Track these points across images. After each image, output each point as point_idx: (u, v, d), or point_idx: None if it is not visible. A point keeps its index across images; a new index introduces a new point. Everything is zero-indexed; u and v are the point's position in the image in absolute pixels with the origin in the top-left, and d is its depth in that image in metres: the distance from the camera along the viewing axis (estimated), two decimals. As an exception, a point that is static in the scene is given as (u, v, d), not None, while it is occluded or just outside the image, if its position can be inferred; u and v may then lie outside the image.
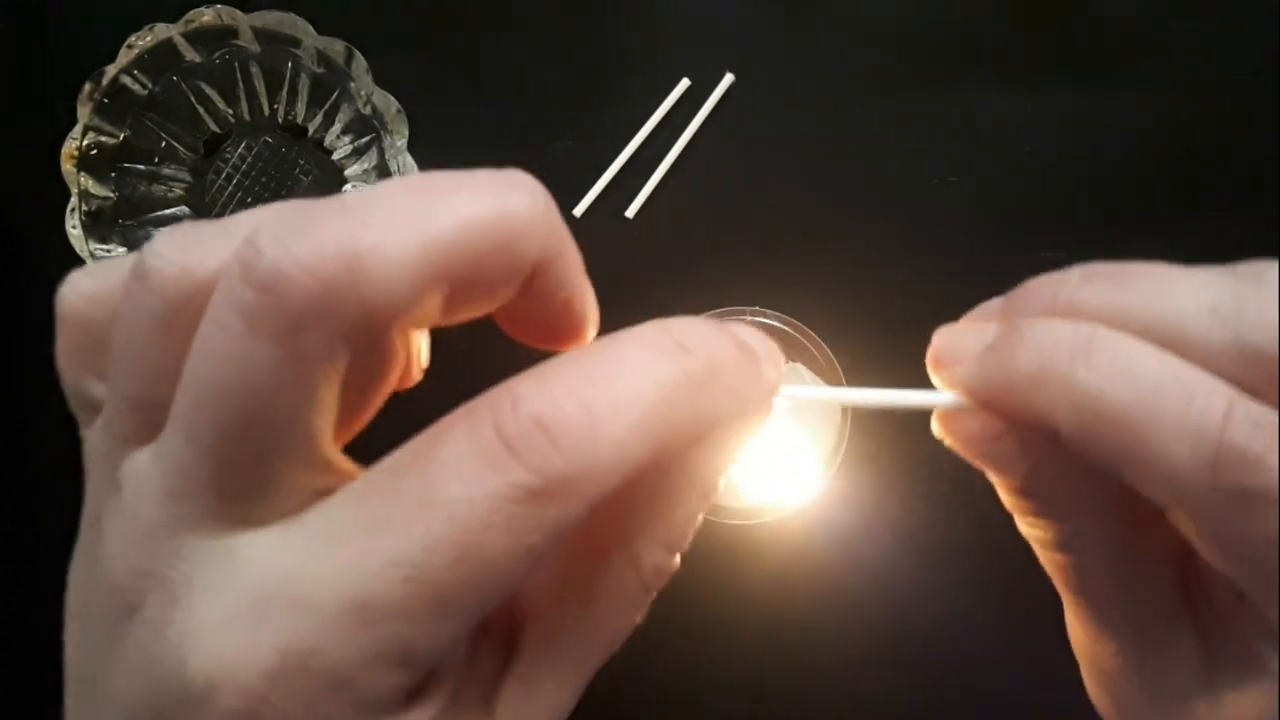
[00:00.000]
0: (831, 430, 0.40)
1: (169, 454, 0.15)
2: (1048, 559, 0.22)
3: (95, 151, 0.37)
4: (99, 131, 0.37)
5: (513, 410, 0.15)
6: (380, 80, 0.38)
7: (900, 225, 0.43)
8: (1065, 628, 0.42)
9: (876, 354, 0.41)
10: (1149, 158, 0.43)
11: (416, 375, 0.20)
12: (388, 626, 0.15)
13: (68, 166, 0.37)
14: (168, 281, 0.16)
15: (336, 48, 0.37)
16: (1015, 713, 0.41)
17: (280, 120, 0.41)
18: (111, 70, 0.36)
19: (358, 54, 0.38)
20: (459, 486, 0.15)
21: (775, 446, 0.40)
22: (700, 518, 0.19)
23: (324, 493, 0.16)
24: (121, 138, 0.38)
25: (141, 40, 0.37)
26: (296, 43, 0.38)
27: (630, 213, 0.43)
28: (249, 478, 0.15)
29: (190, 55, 0.38)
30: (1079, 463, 0.19)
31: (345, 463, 0.17)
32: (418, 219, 0.16)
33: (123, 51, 0.37)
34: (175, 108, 0.39)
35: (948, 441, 0.21)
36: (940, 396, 0.21)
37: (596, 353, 0.17)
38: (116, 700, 0.16)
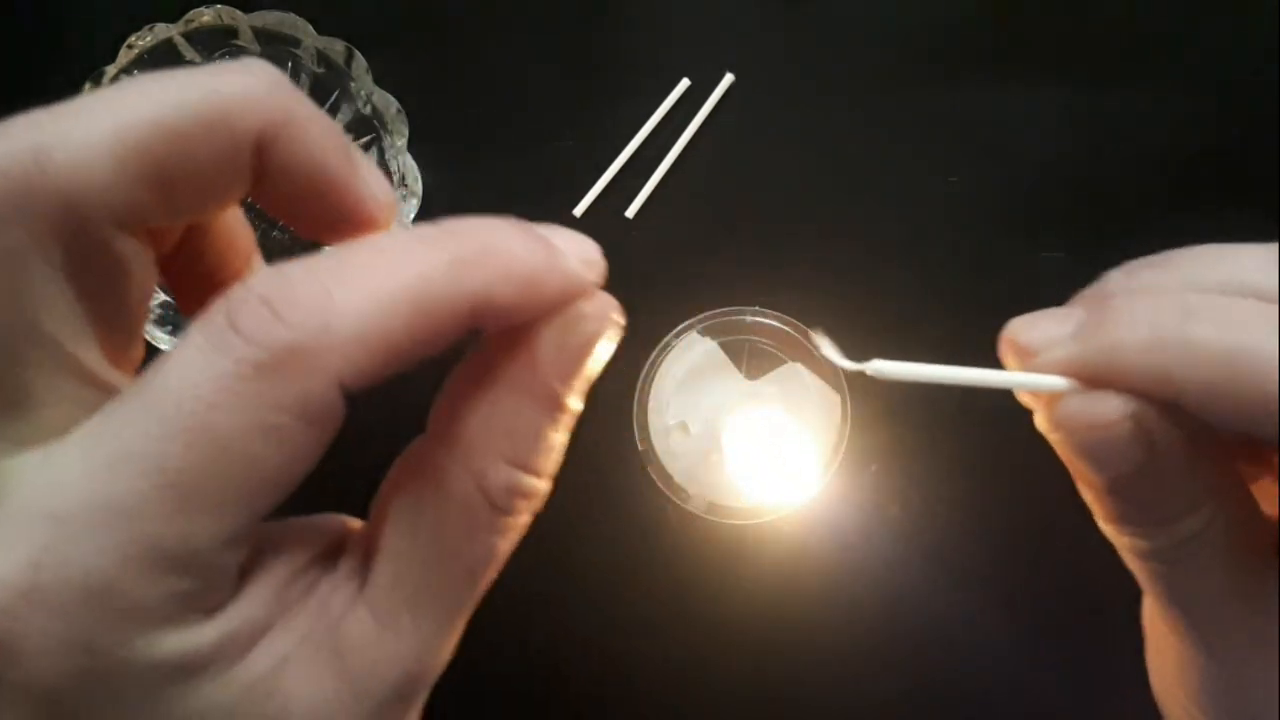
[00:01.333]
0: (831, 430, 0.40)
1: None
2: (1135, 563, 0.21)
3: (95, 151, 0.37)
4: (99, 131, 0.37)
5: (243, 294, 0.15)
6: (380, 80, 0.38)
7: (900, 225, 0.43)
8: (1065, 628, 0.42)
9: (876, 354, 0.41)
10: (1149, 158, 0.43)
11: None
12: (132, 526, 0.14)
13: None
14: None
15: (336, 48, 0.37)
16: (1015, 713, 0.41)
17: (280, 120, 0.41)
18: (111, 70, 0.36)
19: (358, 54, 0.38)
20: (186, 371, 0.15)
21: (775, 446, 0.40)
22: (560, 438, 0.18)
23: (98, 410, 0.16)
24: (121, 138, 0.38)
25: (141, 40, 0.37)
26: (296, 43, 0.38)
27: (630, 213, 0.43)
28: (1, 392, 0.15)
29: (190, 55, 0.38)
30: (1188, 456, 0.19)
31: (125, 382, 0.17)
32: (113, 107, 0.16)
33: (123, 51, 0.37)
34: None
35: (1053, 433, 0.20)
36: (1049, 379, 0.20)
37: (357, 242, 0.17)
38: None
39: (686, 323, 0.41)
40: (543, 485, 0.18)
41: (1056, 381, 0.20)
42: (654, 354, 0.41)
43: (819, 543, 0.41)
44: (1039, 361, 0.20)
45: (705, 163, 0.43)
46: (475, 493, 0.17)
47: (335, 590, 0.18)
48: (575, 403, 0.18)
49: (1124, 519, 0.20)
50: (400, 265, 0.16)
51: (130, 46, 0.37)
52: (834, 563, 0.41)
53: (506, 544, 0.18)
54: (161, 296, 0.35)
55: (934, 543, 0.41)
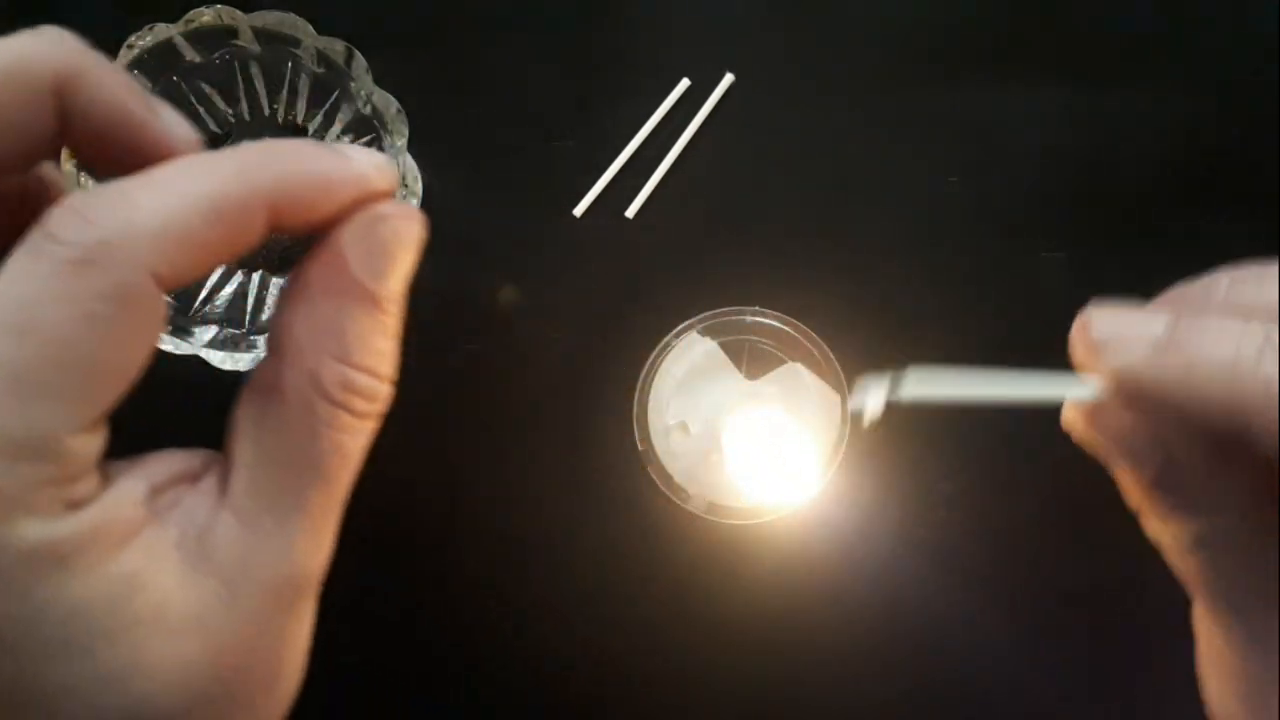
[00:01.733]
0: (831, 430, 0.40)
1: None
2: (1182, 561, 0.21)
3: (95, 151, 0.37)
4: (99, 131, 0.37)
5: (56, 210, 0.17)
6: (380, 80, 0.38)
7: (900, 225, 0.43)
8: (1065, 628, 0.42)
9: (876, 354, 0.41)
10: (1149, 157, 0.43)
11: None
12: None
13: (68, 166, 0.37)
14: None
15: (336, 48, 0.37)
16: (1015, 713, 0.41)
17: (280, 120, 0.41)
18: (111, 70, 0.36)
19: (358, 54, 0.38)
20: (11, 279, 0.17)
21: (775, 446, 0.40)
22: (386, 340, 0.20)
23: None
24: (121, 138, 0.38)
25: (141, 40, 0.37)
26: (296, 43, 0.38)
27: (630, 213, 0.43)
28: None
29: (190, 55, 0.38)
30: (1220, 455, 0.19)
31: None
32: None
33: (123, 51, 0.36)
34: (175, 108, 0.39)
35: (1082, 433, 0.21)
36: (1082, 387, 0.20)
37: (161, 164, 0.19)
38: None
39: (686, 323, 0.41)
40: (377, 384, 0.20)
41: (1084, 391, 0.20)
42: (654, 354, 0.41)
43: (819, 543, 0.41)
44: (1107, 361, 0.20)
45: (705, 163, 0.43)
46: (310, 391, 0.19)
47: (200, 502, 0.19)
48: (394, 304, 0.20)
49: (1162, 508, 0.21)
50: (197, 172, 0.18)
51: (130, 46, 0.37)
52: (834, 563, 0.41)
53: (352, 440, 0.20)
54: None
55: (934, 543, 0.41)
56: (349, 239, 0.20)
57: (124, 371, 0.18)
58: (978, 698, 0.41)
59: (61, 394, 0.17)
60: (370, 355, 0.20)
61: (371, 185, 0.20)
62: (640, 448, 0.40)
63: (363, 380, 0.20)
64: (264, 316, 0.39)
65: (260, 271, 0.40)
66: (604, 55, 0.44)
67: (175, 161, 0.19)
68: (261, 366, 0.20)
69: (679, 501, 0.40)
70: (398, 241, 0.20)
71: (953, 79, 0.43)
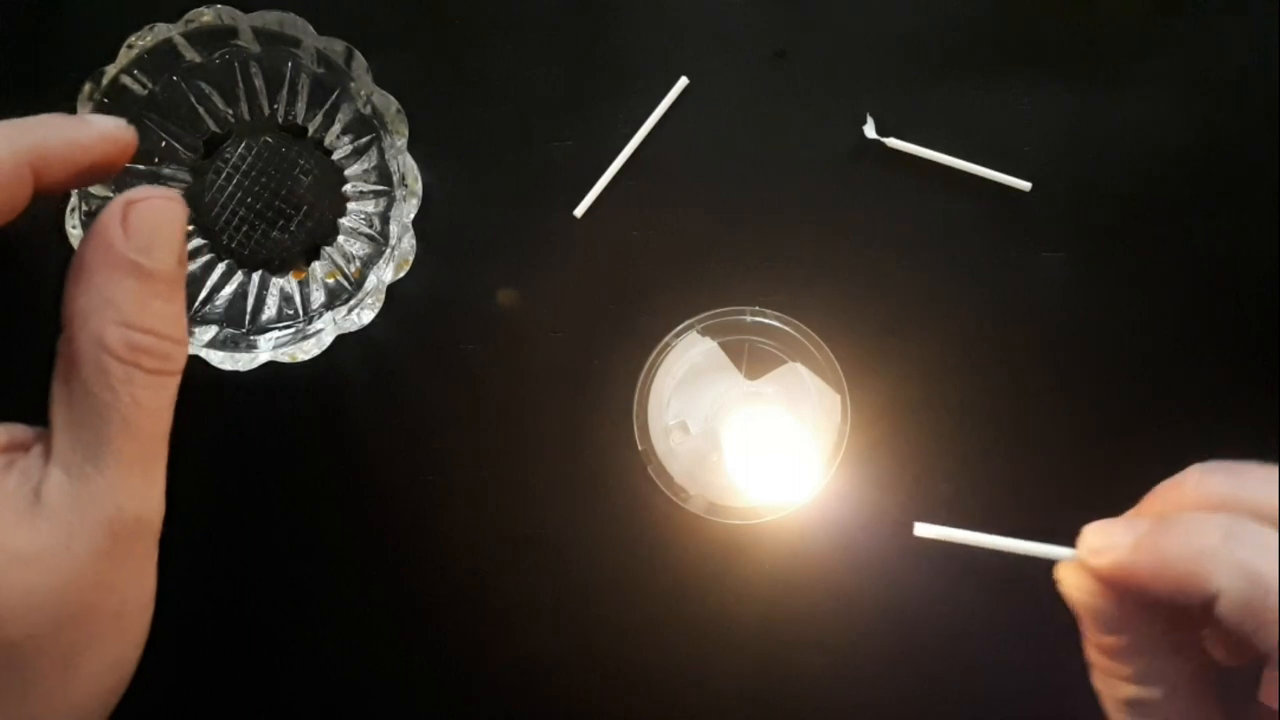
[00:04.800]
0: (831, 430, 0.40)
1: None
2: (1114, 712, 0.27)
3: (95, 151, 0.37)
4: (99, 131, 0.37)
5: None
6: (380, 80, 0.38)
7: (901, 225, 0.43)
8: (1064, 629, 0.42)
9: (877, 355, 0.41)
10: (1149, 158, 0.43)
11: None
12: None
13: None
14: None
15: (336, 48, 0.37)
16: (1015, 712, 0.41)
17: (280, 120, 0.41)
18: (111, 70, 0.36)
19: (358, 54, 0.38)
20: None
21: (774, 445, 0.40)
22: (164, 304, 0.23)
23: None
24: (121, 138, 0.38)
25: (141, 40, 0.37)
26: (296, 43, 0.38)
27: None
28: None
29: (190, 55, 0.38)
30: (1170, 639, 0.25)
31: None
32: None
33: (123, 51, 0.36)
34: (175, 108, 0.39)
35: (1070, 591, 0.27)
36: (1061, 550, 0.27)
37: None
38: None
39: (686, 323, 0.41)
40: (160, 343, 0.22)
41: (1066, 552, 0.27)
42: (654, 354, 0.41)
43: (818, 543, 0.41)
44: (1098, 562, 0.25)
45: (705, 162, 0.43)
46: (100, 353, 0.22)
47: (32, 463, 0.22)
48: (167, 274, 0.23)
49: (1101, 666, 0.27)
50: None
51: (130, 46, 0.37)
52: (834, 562, 0.41)
53: (150, 395, 0.22)
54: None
55: (934, 542, 0.41)
56: (110, 220, 0.22)
57: None
58: (977, 697, 0.41)
59: None
60: (149, 318, 0.22)
61: (114, 138, 0.24)
62: (640, 448, 0.40)
63: (147, 340, 0.22)
64: (264, 316, 0.39)
65: (260, 271, 0.40)
66: (604, 55, 0.44)
67: None
68: (61, 342, 0.22)
69: (679, 501, 0.40)
70: (158, 218, 0.23)
71: (953, 79, 0.43)
